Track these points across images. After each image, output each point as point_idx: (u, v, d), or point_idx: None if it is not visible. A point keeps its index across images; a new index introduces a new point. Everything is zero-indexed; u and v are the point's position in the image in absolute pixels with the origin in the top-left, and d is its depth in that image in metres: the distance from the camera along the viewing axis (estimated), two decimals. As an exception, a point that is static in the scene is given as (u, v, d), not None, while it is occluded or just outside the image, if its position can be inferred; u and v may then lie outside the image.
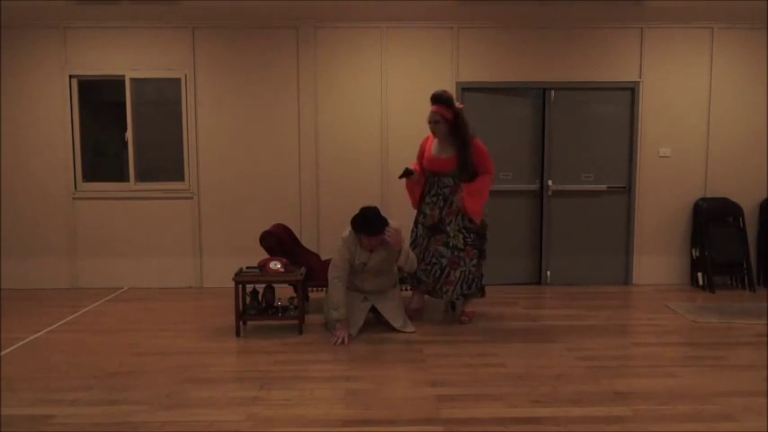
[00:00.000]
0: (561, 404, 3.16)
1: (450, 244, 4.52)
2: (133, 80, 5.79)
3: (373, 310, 4.47)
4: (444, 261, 4.53)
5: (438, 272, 4.55)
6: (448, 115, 4.43)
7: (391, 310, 4.45)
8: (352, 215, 4.22)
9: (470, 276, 4.57)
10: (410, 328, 4.45)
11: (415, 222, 4.71)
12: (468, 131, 4.49)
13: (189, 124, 5.81)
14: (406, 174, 4.58)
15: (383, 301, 4.45)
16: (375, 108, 5.81)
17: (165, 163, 5.96)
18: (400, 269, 4.49)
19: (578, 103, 5.88)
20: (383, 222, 4.17)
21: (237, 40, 5.77)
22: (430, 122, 4.51)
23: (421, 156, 4.72)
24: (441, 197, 4.55)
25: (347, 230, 4.25)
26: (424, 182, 4.68)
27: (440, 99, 4.46)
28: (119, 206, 5.89)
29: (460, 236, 4.53)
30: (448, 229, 4.52)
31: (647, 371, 3.66)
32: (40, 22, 5.67)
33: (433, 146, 4.60)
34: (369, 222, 4.15)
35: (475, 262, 4.57)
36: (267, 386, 3.42)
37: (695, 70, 5.84)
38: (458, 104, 4.51)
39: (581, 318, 4.84)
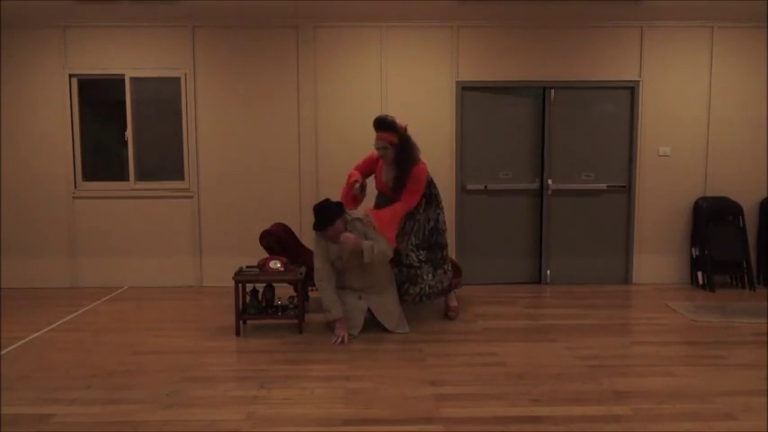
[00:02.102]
0: (561, 403, 3.16)
1: (405, 263, 4.54)
2: (133, 79, 5.79)
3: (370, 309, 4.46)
4: (402, 277, 4.56)
5: (398, 283, 4.58)
6: (393, 140, 4.39)
7: (384, 310, 4.42)
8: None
9: (429, 290, 4.59)
10: (403, 329, 4.43)
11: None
12: (413, 153, 4.44)
13: (189, 123, 5.81)
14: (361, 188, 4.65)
15: (377, 301, 4.42)
16: (375, 108, 5.79)
17: (165, 162, 5.96)
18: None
19: (578, 102, 5.88)
20: (330, 213, 4.18)
21: (237, 40, 5.77)
22: (378, 149, 4.47)
23: (371, 166, 4.66)
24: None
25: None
26: (376, 201, 4.76)
27: (382, 125, 4.41)
28: (119, 205, 5.90)
29: (413, 255, 4.55)
30: (400, 247, 4.50)
31: (646, 370, 3.66)
32: (40, 22, 5.67)
33: (383, 170, 4.58)
34: (316, 217, 4.20)
35: (431, 276, 4.58)
36: (267, 385, 3.42)
37: (695, 69, 5.84)
38: (401, 125, 4.44)
39: (581, 317, 4.84)
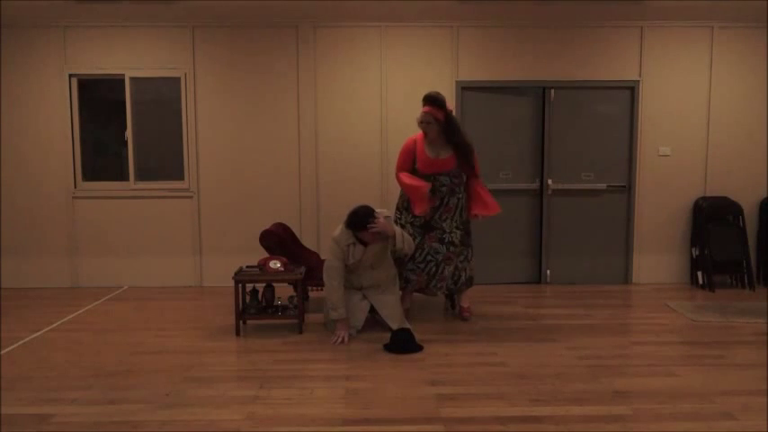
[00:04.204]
0: (561, 403, 3.16)
1: (446, 240, 4.59)
2: (133, 79, 5.79)
3: (371, 309, 4.46)
4: (440, 257, 4.60)
5: (433, 268, 4.60)
6: (440, 116, 4.47)
7: (388, 310, 4.42)
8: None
9: (458, 273, 4.65)
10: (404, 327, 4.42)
11: (401, 223, 4.68)
12: (460, 128, 4.59)
13: (189, 123, 5.81)
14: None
15: (380, 300, 4.43)
16: (375, 107, 5.81)
17: (165, 162, 5.96)
18: (400, 257, 4.49)
19: (578, 101, 5.88)
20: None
21: (237, 40, 5.77)
22: (422, 123, 4.52)
23: (410, 161, 4.62)
24: (437, 196, 4.56)
25: (338, 230, 4.28)
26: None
27: (434, 100, 4.48)
28: (119, 205, 5.90)
29: (458, 233, 4.62)
30: (444, 225, 4.58)
31: (646, 370, 3.66)
32: (40, 22, 5.68)
33: (426, 149, 4.59)
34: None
35: (462, 258, 4.67)
36: (267, 385, 3.42)
37: (695, 69, 5.84)
38: (448, 106, 4.54)
39: (581, 317, 4.84)
